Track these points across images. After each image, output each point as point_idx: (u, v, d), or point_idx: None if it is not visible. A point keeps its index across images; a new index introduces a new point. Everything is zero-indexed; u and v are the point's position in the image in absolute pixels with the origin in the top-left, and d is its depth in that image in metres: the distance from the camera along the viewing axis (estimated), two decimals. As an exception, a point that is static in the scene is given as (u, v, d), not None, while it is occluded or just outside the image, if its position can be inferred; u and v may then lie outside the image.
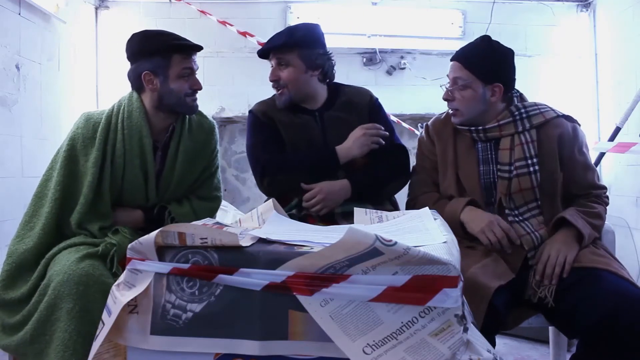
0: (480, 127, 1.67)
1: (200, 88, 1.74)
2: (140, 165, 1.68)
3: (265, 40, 3.26)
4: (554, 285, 1.51)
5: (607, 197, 1.73)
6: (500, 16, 3.57)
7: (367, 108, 1.91)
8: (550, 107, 1.70)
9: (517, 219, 1.63)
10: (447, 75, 1.72)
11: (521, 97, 1.75)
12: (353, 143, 1.79)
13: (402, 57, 3.67)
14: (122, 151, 1.66)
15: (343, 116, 1.87)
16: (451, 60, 1.71)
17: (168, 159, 1.74)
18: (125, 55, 1.73)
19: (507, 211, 1.64)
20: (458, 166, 1.71)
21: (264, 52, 1.87)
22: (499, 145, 1.66)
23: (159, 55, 1.66)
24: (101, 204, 1.66)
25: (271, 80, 1.86)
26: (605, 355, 1.38)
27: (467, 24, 3.65)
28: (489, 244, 1.57)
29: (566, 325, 1.51)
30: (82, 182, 1.64)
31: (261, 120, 1.90)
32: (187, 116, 1.79)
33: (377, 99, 1.97)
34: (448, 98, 1.70)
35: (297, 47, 1.81)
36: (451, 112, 1.72)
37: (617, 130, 3.00)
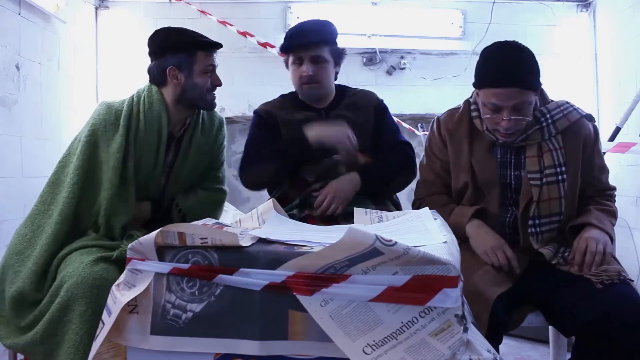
0: None
1: (220, 84, 1.78)
2: (154, 155, 1.71)
3: (265, 41, 3.32)
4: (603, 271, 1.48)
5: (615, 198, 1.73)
6: (500, 16, 3.56)
7: (374, 110, 1.92)
8: (572, 106, 1.65)
9: (533, 229, 1.59)
10: (494, 103, 1.51)
11: (542, 95, 1.66)
12: (328, 125, 1.76)
13: (402, 57, 3.67)
14: (142, 140, 1.69)
15: (348, 115, 1.87)
16: (502, 87, 1.49)
17: (181, 150, 1.78)
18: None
19: (529, 221, 1.59)
20: (475, 169, 1.66)
21: (294, 47, 1.83)
22: (525, 152, 1.61)
23: (184, 52, 1.70)
24: (127, 191, 1.65)
25: (305, 77, 1.82)
26: (600, 354, 1.38)
27: (467, 24, 3.64)
28: (489, 263, 1.54)
29: (563, 323, 1.51)
30: (103, 169, 1.64)
31: (262, 119, 1.91)
32: (201, 111, 1.83)
33: (383, 101, 1.97)
34: (511, 126, 1.53)
35: (329, 43, 1.84)
36: (507, 135, 1.56)
37: (617, 130, 3.00)
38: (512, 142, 1.60)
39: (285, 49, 1.87)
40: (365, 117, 1.89)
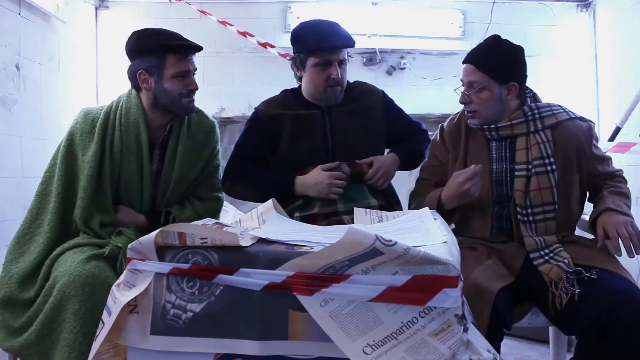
0: (493, 126, 1.69)
1: (196, 88, 1.71)
2: (136, 162, 1.68)
3: (265, 41, 3.32)
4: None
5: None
6: (500, 16, 3.57)
7: (382, 102, 1.96)
8: (563, 109, 1.71)
9: (525, 219, 1.63)
10: (461, 79, 1.72)
11: (534, 98, 1.76)
12: (314, 185, 1.76)
13: (402, 57, 3.67)
14: (120, 147, 1.67)
15: (351, 108, 1.89)
16: (464, 63, 1.72)
17: (167, 157, 1.73)
18: (124, 53, 1.73)
19: (518, 209, 1.63)
20: (468, 163, 1.70)
21: (329, 49, 1.79)
22: (515, 145, 1.68)
23: (154, 55, 1.64)
24: (102, 198, 1.65)
25: (334, 79, 1.82)
26: (603, 352, 1.39)
27: (467, 24, 3.64)
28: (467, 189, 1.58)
29: (564, 322, 1.51)
30: (79, 177, 1.64)
31: (259, 120, 1.90)
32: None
33: (383, 91, 2.02)
34: (465, 101, 1.71)
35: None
36: (469, 114, 1.72)
37: (617, 130, 3.00)
38: (477, 126, 1.72)
39: (317, 51, 1.79)
40: (372, 107, 1.93)
